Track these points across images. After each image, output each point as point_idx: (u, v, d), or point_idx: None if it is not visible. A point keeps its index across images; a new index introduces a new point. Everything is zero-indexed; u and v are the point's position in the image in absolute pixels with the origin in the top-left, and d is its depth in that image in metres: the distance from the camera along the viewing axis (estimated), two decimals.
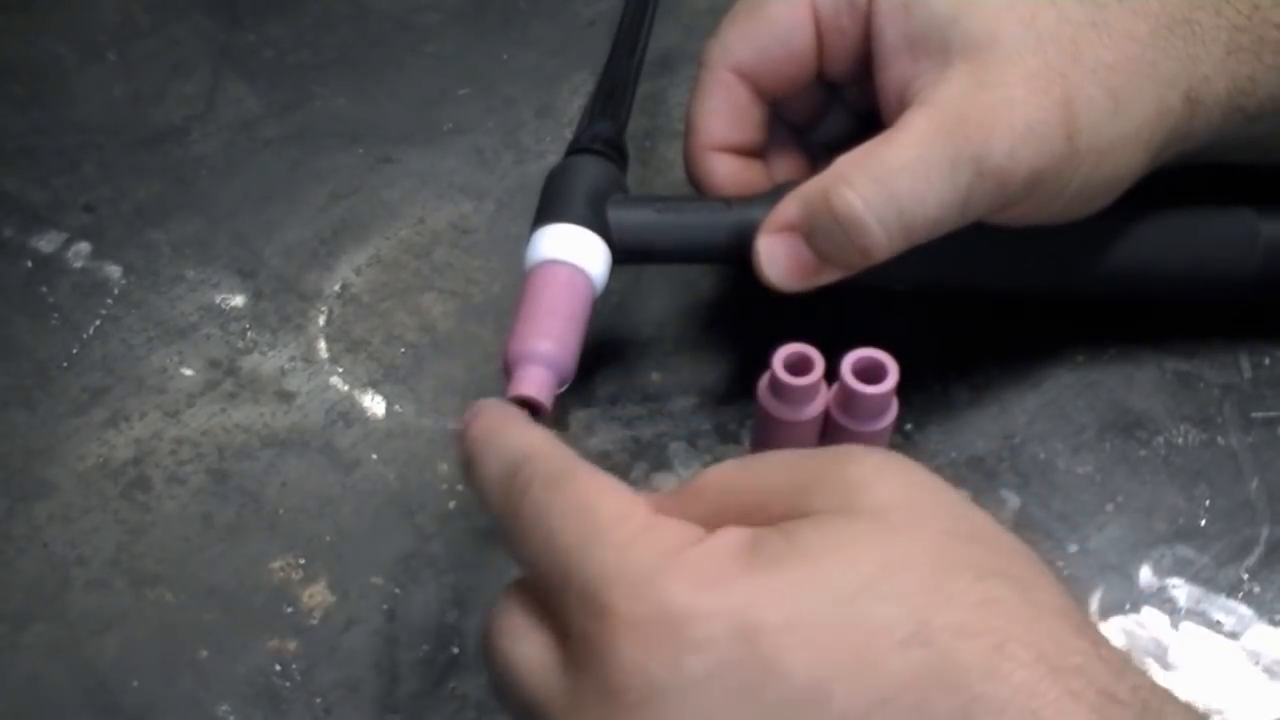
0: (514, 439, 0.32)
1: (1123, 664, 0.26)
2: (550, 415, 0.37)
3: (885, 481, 0.29)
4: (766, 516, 0.29)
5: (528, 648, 0.29)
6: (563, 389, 0.37)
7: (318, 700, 0.38)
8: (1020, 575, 0.28)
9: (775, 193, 0.39)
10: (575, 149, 0.42)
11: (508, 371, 0.37)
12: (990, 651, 0.26)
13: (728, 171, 0.42)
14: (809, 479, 0.30)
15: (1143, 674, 0.27)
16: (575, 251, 0.38)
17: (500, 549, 0.41)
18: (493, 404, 0.34)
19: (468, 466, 0.33)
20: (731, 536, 0.29)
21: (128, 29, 0.58)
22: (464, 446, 0.33)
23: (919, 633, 0.26)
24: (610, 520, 0.29)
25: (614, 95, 0.44)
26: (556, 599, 0.29)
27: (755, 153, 0.43)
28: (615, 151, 0.42)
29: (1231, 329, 0.44)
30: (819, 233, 0.37)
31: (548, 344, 0.37)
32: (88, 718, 0.38)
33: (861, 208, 0.35)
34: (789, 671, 0.26)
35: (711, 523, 0.30)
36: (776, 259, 0.38)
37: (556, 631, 0.29)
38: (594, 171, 0.41)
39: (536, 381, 0.36)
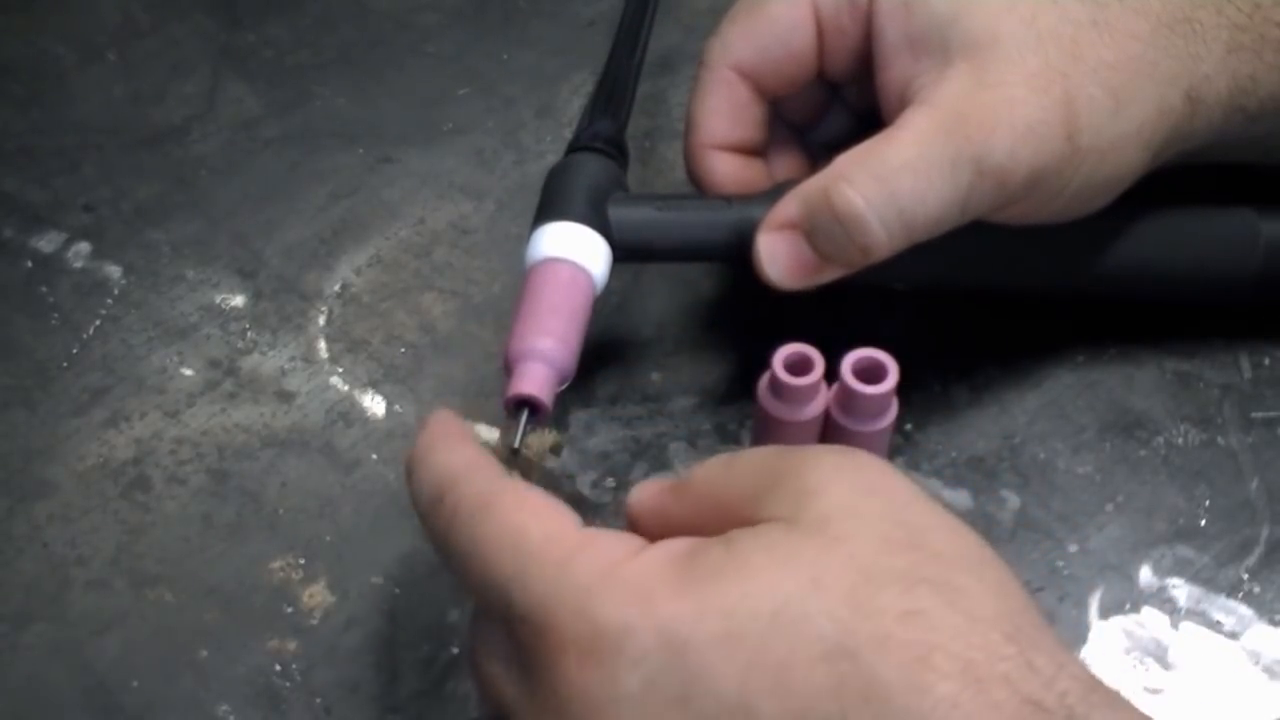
0: (440, 462, 0.32)
1: (1056, 670, 0.26)
2: (551, 413, 0.37)
3: (834, 487, 0.29)
4: (735, 519, 0.30)
5: (495, 664, 0.30)
6: (563, 387, 0.37)
7: (318, 700, 0.38)
8: (957, 582, 0.28)
9: (776, 191, 0.39)
10: (576, 147, 0.42)
11: (508, 369, 0.37)
12: (913, 663, 0.26)
13: (728, 170, 0.42)
14: (770, 482, 0.30)
15: (1079, 680, 0.26)
16: (576, 249, 0.38)
17: None
18: (434, 419, 0.34)
19: (408, 483, 0.33)
20: (669, 548, 0.29)
21: (128, 29, 0.58)
22: (405, 467, 0.33)
23: (842, 645, 0.26)
24: (541, 543, 0.29)
25: (614, 94, 0.44)
26: (503, 622, 0.30)
27: (756, 151, 0.43)
28: (616, 150, 0.42)
29: (1231, 329, 0.44)
30: (819, 231, 0.37)
31: (548, 342, 0.37)
32: (88, 718, 0.38)
33: (862, 206, 0.35)
34: (716, 685, 0.26)
35: (693, 520, 0.31)
36: (777, 257, 0.38)
37: (513, 647, 0.30)
38: (595, 170, 0.41)
39: (537, 379, 0.36)
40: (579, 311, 0.38)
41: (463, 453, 0.33)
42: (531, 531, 0.30)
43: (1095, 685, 0.27)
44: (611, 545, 0.29)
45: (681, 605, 0.27)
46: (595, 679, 0.27)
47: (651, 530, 0.32)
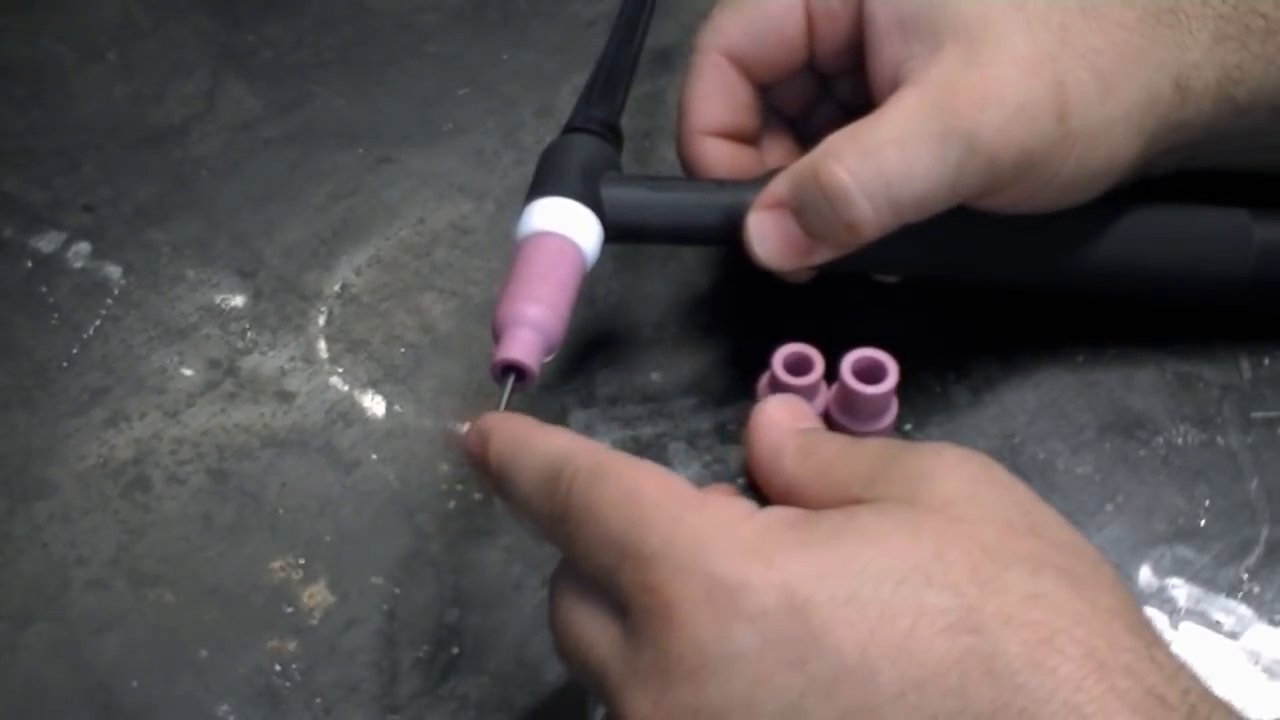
0: (545, 444, 0.32)
1: (1176, 668, 0.26)
2: (536, 381, 0.36)
3: (953, 475, 0.29)
4: (845, 497, 0.30)
5: (587, 620, 0.30)
6: (550, 358, 0.37)
7: (318, 700, 0.38)
8: (1078, 572, 0.28)
9: (769, 176, 0.39)
10: (570, 128, 0.42)
11: (495, 336, 0.37)
12: (1038, 644, 0.26)
13: (720, 155, 0.42)
14: (885, 465, 0.30)
15: (1198, 680, 0.27)
16: (567, 224, 0.38)
17: (500, 549, 0.41)
18: (502, 418, 0.34)
19: (499, 481, 0.33)
20: (784, 513, 0.29)
21: (128, 29, 0.58)
22: (491, 463, 0.33)
23: (966, 619, 0.26)
24: (655, 501, 0.29)
25: (610, 78, 0.44)
26: (613, 580, 0.29)
27: (748, 139, 0.43)
28: (610, 132, 0.42)
29: (1231, 329, 0.44)
30: (807, 208, 0.37)
31: (536, 309, 0.36)
32: (88, 718, 0.38)
33: (848, 180, 0.35)
34: (837, 646, 0.26)
35: (806, 483, 0.31)
36: (766, 236, 0.38)
37: (614, 606, 0.30)
38: (589, 149, 0.41)
39: (524, 345, 0.36)
40: (568, 283, 0.38)
41: (564, 434, 0.33)
42: (646, 489, 0.30)
43: (1210, 690, 0.27)
44: (727, 505, 0.29)
45: (804, 565, 0.27)
46: (710, 635, 0.27)
47: (762, 459, 0.33)
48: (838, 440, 0.33)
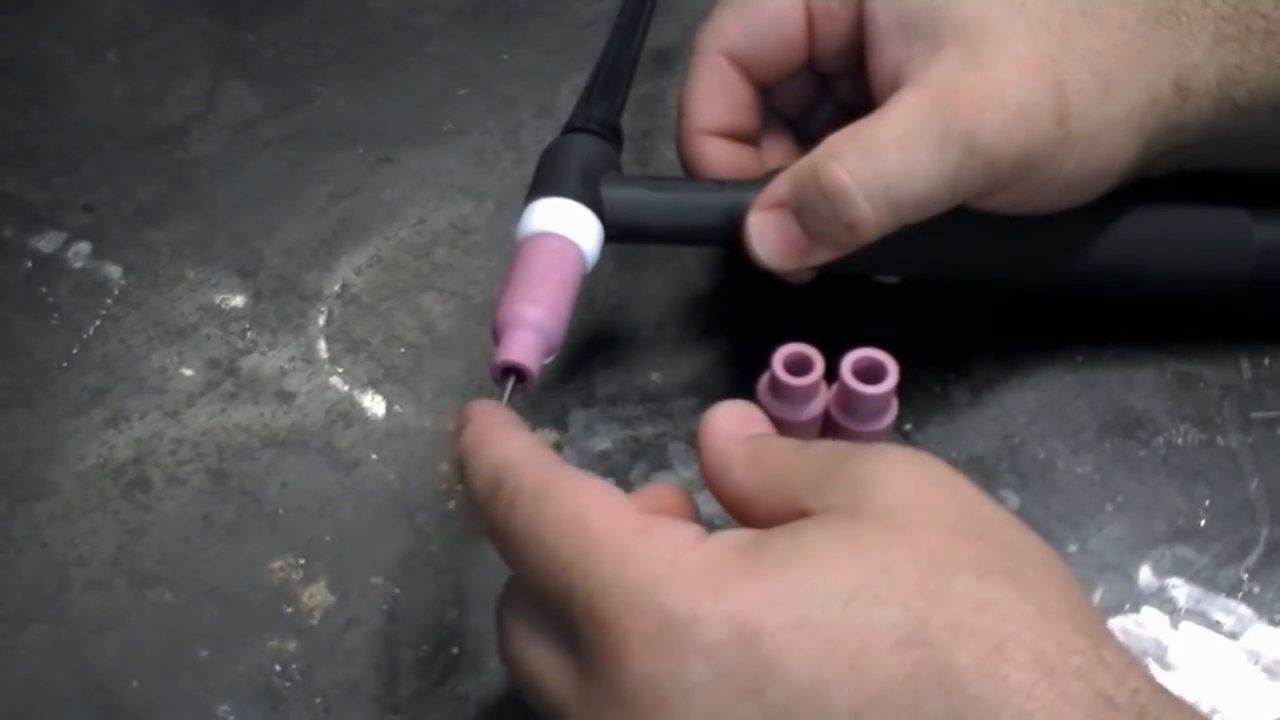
0: (495, 451, 0.32)
1: (1126, 667, 0.26)
2: (536, 383, 0.36)
3: (897, 480, 0.29)
4: (794, 507, 0.29)
5: (541, 653, 0.30)
6: (550, 359, 0.37)
7: (318, 700, 0.38)
8: (1025, 574, 0.28)
9: (769, 177, 0.39)
10: (570, 128, 0.42)
11: (495, 337, 0.37)
12: (988, 653, 0.26)
13: (720, 155, 0.42)
14: (831, 471, 0.30)
15: (1148, 678, 0.26)
16: (567, 224, 0.38)
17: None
18: (480, 409, 0.34)
19: (462, 478, 0.33)
20: (730, 538, 0.29)
21: (128, 29, 0.58)
22: (457, 457, 0.33)
23: (916, 634, 0.26)
24: (603, 531, 0.29)
25: (611, 78, 0.44)
26: (561, 612, 0.29)
27: (748, 139, 0.43)
28: (610, 132, 0.42)
29: (1231, 329, 0.44)
30: (807, 208, 0.37)
31: (536, 310, 0.36)
32: (88, 718, 0.38)
33: (848, 181, 0.35)
34: (789, 672, 0.26)
35: (758, 495, 0.31)
36: (766, 236, 0.38)
37: (566, 637, 0.29)
38: (589, 149, 0.41)
39: (524, 347, 0.36)
40: (568, 283, 0.38)
41: (517, 441, 0.32)
42: (592, 518, 0.29)
43: (1161, 687, 0.27)
44: (672, 532, 0.29)
45: (753, 593, 0.27)
46: (663, 670, 0.27)
47: (711, 468, 0.32)
48: (786, 445, 0.32)
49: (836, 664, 0.26)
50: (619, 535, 0.29)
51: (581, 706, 0.28)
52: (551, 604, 0.29)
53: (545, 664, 0.30)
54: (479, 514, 0.32)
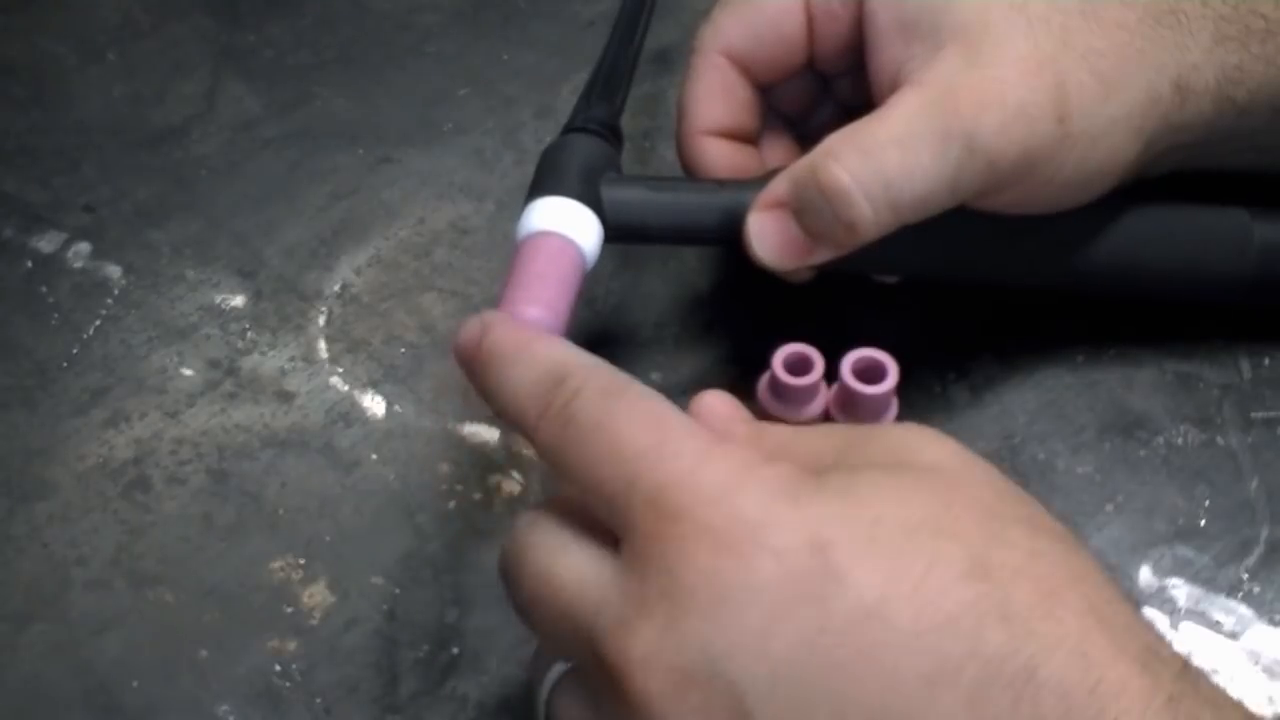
0: (553, 353, 0.32)
1: (1160, 633, 0.28)
2: None
3: (935, 447, 0.30)
4: (820, 468, 0.30)
5: (573, 561, 0.30)
6: None
7: (318, 700, 0.38)
8: (1069, 540, 0.29)
9: (769, 176, 0.39)
10: (570, 128, 0.42)
11: None
12: (1044, 595, 0.27)
13: (720, 155, 0.42)
14: (859, 441, 0.31)
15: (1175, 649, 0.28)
16: (567, 224, 0.38)
17: (499, 549, 0.41)
18: (498, 319, 0.33)
19: (484, 374, 0.32)
20: (796, 468, 0.29)
21: (128, 29, 0.58)
22: (479, 354, 0.32)
23: (977, 567, 0.27)
24: (682, 432, 0.29)
25: (610, 78, 0.44)
26: (615, 504, 0.29)
27: (748, 139, 0.43)
28: (610, 132, 0.42)
29: (1231, 329, 0.44)
30: (807, 208, 0.37)
31: (536, 310, 0.36)
32: (88, 718, 0.38)
33: (848, 181, 0.35)
34: (857, 585, 0.27)
35: None
36: (765, 236, 0.38)
37: (605, 541, 0.29)
38: (588, 149, 0.41)
39: None
40: (568, 283, 0.38)
41: (573, 348, 0.32)
42: (672, 421, 0.30)
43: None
44: (748, 452, 0.29)
45: (827, 508, 0.28)
46: (729, 566, 0.27)
47: None
48: (782, 428, 0.33)
49: (902, 585, 0.27)
50: (698, 439, 0.29)
51: (623, 603, 0.28)
52: (603, 495, 0.29)
53: (578, 571, 0.29)
54: (512, 412, 0.31)
